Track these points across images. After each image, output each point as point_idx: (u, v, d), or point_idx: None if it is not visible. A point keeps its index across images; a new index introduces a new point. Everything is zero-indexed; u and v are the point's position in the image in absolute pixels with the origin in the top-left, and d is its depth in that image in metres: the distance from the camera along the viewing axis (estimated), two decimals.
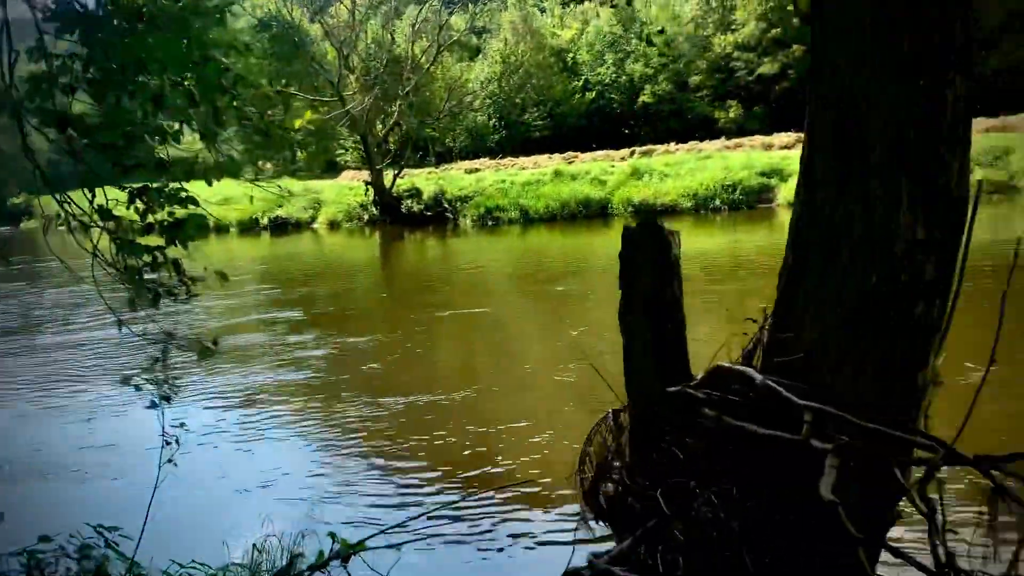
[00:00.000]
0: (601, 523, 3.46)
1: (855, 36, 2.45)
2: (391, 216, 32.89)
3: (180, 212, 3.42)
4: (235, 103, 4.32)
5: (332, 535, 3.85)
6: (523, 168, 38.77)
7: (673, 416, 3.06)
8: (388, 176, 34.01)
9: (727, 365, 2.84)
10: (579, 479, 3.61)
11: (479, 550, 4.54)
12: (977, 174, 24.92)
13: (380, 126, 36.54)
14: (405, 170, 36.15)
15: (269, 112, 4.10)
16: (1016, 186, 24.07)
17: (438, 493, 5.36)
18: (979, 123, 30.06)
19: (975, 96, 2.50)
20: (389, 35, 39.37)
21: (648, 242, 3.46)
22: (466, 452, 6.03)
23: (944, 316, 2.50)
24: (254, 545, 4.42)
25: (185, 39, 3.47)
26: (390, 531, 4.39)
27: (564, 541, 4.26)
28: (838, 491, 2.36)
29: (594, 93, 50.13)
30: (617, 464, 3.36)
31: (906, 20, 2.36)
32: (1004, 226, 20.68)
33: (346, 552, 3.73)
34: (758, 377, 2.57)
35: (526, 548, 4.50)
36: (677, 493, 2.87)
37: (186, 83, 3.64)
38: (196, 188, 3.55)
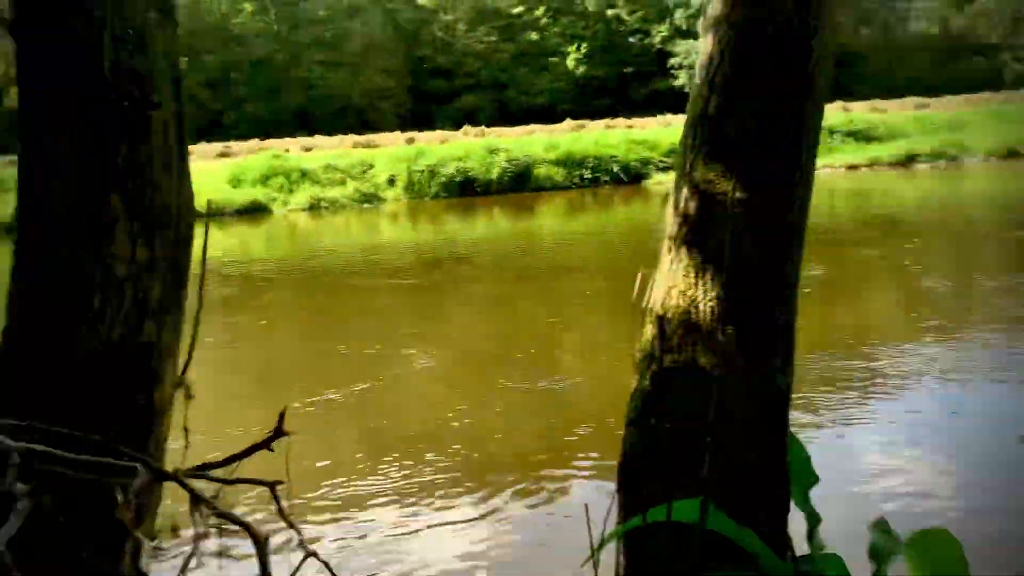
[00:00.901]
0: None
1: None
2: None
3: None
4: None
5: None
6: None
7: None
8: None
9: None
10: None
11: None
12: (349, 186, 27.75)
13: None
14: None
15: None
16: (380, 196, 27.47)
17: None
18: (347, 140, 33.71)
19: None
20: None
21: None
22: None
23: (177, 334, 2.55)
24: None
25: None
26: None
27: None
28: (87, 528, 2.26)
29: None
30: None
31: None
32: (372, 232, 23.42)
33: None
34: None
35: None
36: None
37: None
38: None
